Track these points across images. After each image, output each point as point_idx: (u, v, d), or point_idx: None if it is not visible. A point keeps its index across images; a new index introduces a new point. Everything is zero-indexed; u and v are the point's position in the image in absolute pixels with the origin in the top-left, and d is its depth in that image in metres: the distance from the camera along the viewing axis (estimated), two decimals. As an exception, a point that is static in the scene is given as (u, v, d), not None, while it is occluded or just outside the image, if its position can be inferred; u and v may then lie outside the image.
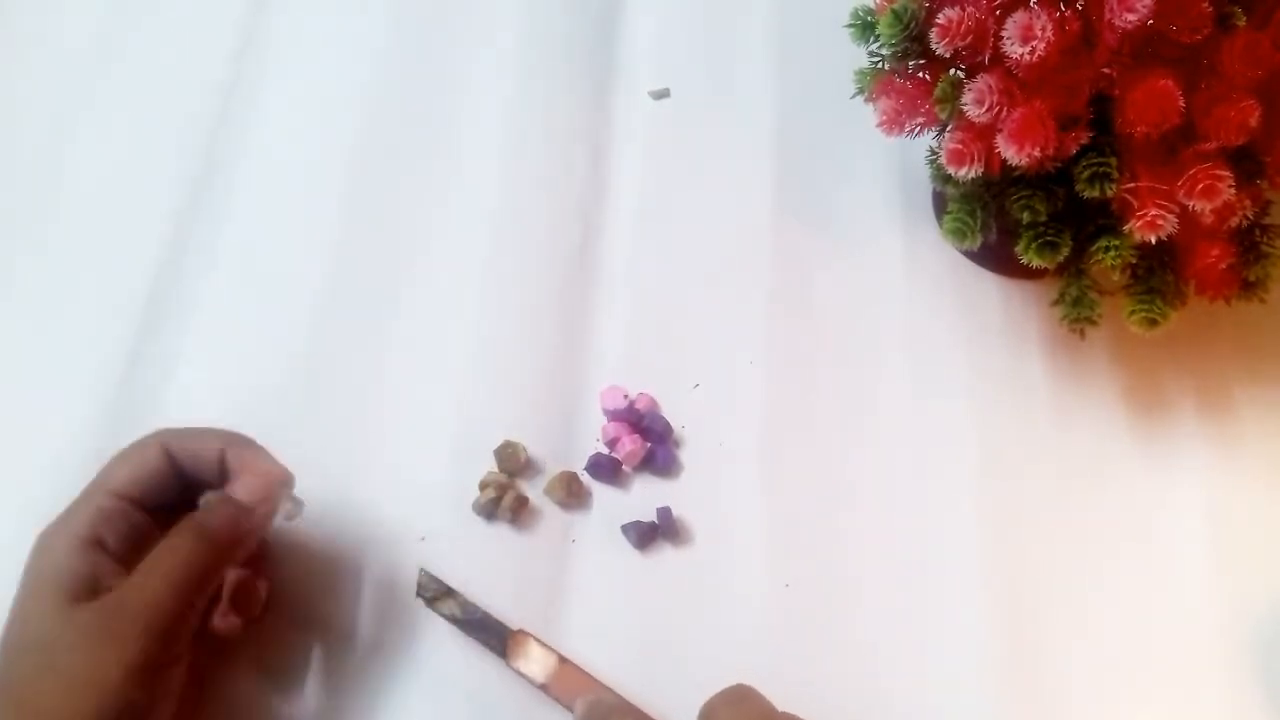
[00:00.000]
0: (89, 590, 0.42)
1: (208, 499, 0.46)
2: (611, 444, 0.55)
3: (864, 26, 0.53)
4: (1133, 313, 0.51)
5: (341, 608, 0.52)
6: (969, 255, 0.62)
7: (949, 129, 0.50)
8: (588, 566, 0.53)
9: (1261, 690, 0.50)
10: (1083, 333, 0.53)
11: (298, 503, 0.48)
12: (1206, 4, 0.46)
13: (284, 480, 0.48)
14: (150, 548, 0.43)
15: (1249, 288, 0.52)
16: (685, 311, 0.60)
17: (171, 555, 0.43)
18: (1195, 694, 0.51)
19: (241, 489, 0.46)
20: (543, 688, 0.48)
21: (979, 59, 0.48)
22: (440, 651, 0.51)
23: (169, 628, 0.41)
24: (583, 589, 0.52)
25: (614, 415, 0.56)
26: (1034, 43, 0.45)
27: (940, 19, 0.48)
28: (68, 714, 0.39)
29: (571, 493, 0.54)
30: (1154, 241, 0.48)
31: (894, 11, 0.50)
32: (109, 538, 0.44)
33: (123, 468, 0.46)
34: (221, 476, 0.47)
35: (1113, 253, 0.49)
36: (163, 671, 0.42)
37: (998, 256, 0.60)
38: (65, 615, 0.41)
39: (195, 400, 0.57)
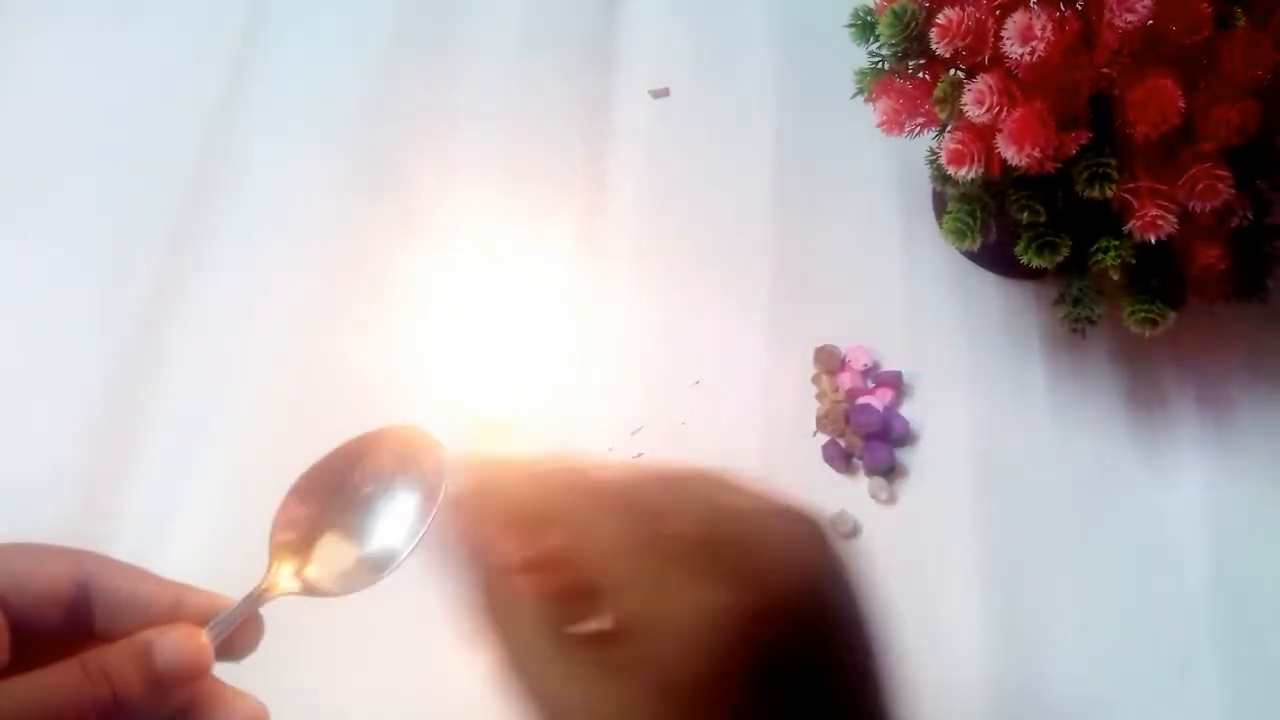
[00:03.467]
0: None
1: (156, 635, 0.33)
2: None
3: (864, 26, 0.53)
4: (1133, 313, 0.51)
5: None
6: (969, 255, 0.62)
7: (949, 129, 0.50)
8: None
9: (1259, 687, 0.50)
10: (1083, 333, 0.53)
11: None
12: (1206, 4, 0.46)
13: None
14: None
15: (1249, 288, 0.52)
16: (685, 309, 0.60)
17: (43, 694, 0.31)
18: (1194, 692, 0.51)
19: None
20: None
21: (979, 59, 0.48)
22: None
23: None
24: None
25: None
26: (1034, 43, 0.45)
27: (940, 19, 0.48)
28: None
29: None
30: (1154, 241, 0.48)
31: (894, 11, 0.50)
32: None
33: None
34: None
35: (1113, 253, 0.49)
36: None
37: (998, 256, 0.60)
38: None
39: (191, 409, 0.57)
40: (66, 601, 0.33)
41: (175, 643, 0.32)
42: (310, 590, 0.36)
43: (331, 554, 0.37)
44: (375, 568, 0.37)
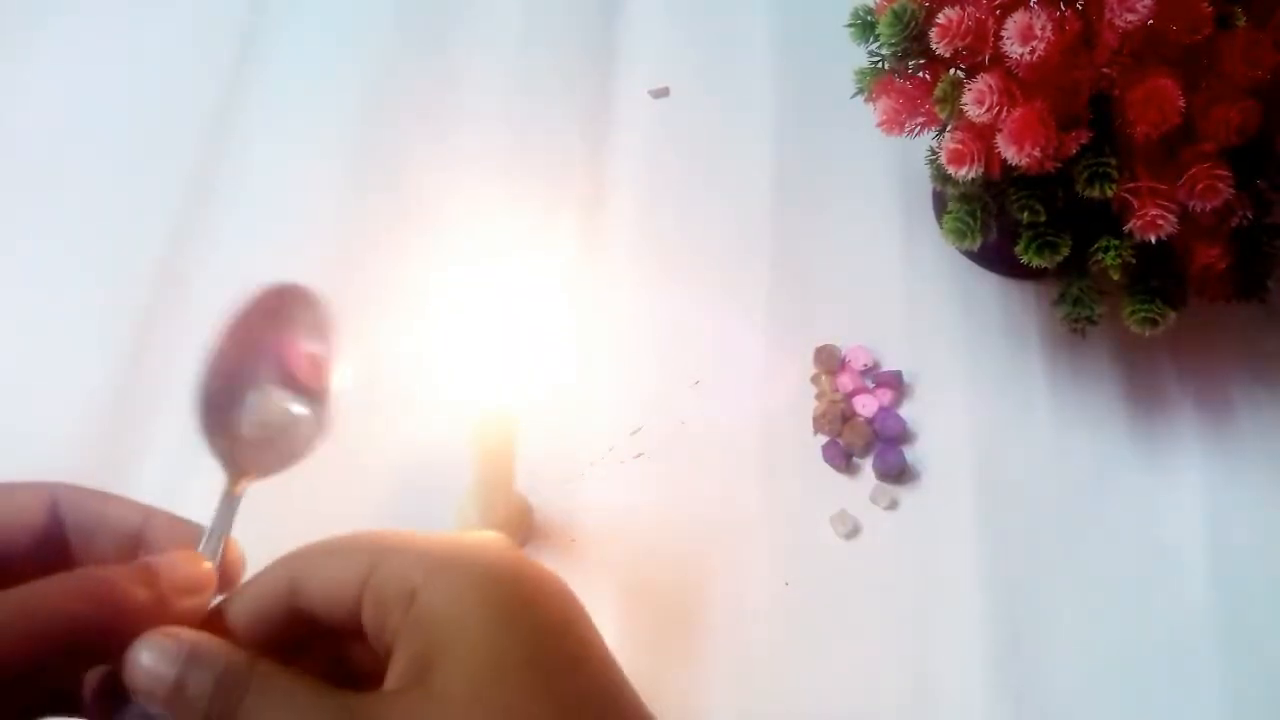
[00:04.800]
0: None
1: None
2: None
3: (864, 26, 0.53)
4: (1133, 313, 0.51)
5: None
6: (969, 255, 0.62)
7: (949, 129, 0.50)
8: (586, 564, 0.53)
9: (1260, 688, 0.50)
10: (1083, 332, 0.53)
11: None
12: (1206, 4, 0.46)
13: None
14: None
15: (1249, 288, 0.53)
16: (685, 309, 0.60)
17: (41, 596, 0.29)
18: (1194, 693, 0.51)
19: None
20: None
21: (979, 59, 0.48)
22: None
23: None
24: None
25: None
26: (1034, 43, 0.46)
27: (940, 19, 0.48)
28: None
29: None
30: (1154, 241, 0.48)
31: (894, 11, 0.50)
32: None
33: None
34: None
35: (1113, 253, 0.49)
36: None
37: (998, 256, 0.60)
38: None
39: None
40: (38, 528, 0.32)
41: (175, 561, 0.31)
42: (265, 470, 0.36)
43: (268, 437, 0.38)
44: (313, 430, 0.38)
